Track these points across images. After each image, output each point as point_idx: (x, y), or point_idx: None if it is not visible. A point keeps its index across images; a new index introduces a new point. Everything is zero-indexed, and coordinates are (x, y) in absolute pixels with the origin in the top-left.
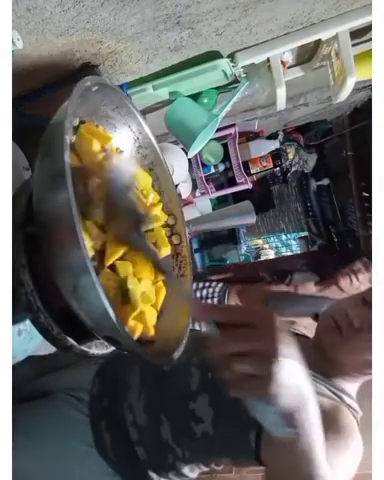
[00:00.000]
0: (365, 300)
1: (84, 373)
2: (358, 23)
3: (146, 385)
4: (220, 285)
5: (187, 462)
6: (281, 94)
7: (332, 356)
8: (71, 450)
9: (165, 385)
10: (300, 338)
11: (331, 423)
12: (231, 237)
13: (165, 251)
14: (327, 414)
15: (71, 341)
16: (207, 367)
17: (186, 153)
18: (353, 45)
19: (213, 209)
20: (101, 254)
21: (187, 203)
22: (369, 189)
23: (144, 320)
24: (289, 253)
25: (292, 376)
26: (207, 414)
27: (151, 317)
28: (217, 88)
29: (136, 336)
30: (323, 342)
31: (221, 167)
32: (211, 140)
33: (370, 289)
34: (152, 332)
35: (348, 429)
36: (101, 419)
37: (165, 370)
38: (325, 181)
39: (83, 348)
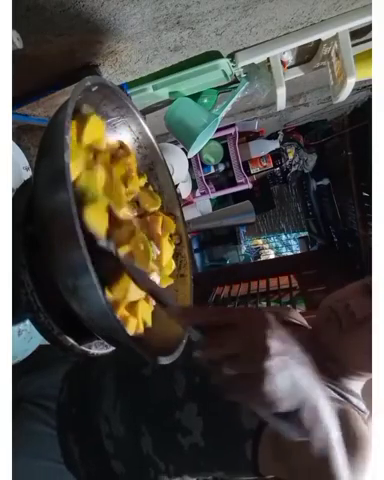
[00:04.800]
0: (368, 289)
1: (52, 377)
2: (358, 23)
3: (123, 392)
4: None
5: (171, 476)
6: (281, 94)
7: (333, 353)
8: (37, 469)
9: (145, 392)
10: (299, 328)
11: (344, 433)
12: (231, 237)
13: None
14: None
15: (71, 341)
16: (194, 371)
17: (186, 153)
18: (353, 45)
19: (213, 209)
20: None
21: (187, 203)
22: (369, 189)
23: (135, 312)
24: (289, 253)
25: (286, 373)
26: (196, 425)
27: (144, 310)
28: (217, 88)
29: (131, 331)
30: (322, 337)
31: (221, 167)
32: (211, 140)
33: None
34: (141, 327)
35: (362, 440)
36: (69, 430)
37: (145, 375)
38: (325, 181)
39: (83, 348)
